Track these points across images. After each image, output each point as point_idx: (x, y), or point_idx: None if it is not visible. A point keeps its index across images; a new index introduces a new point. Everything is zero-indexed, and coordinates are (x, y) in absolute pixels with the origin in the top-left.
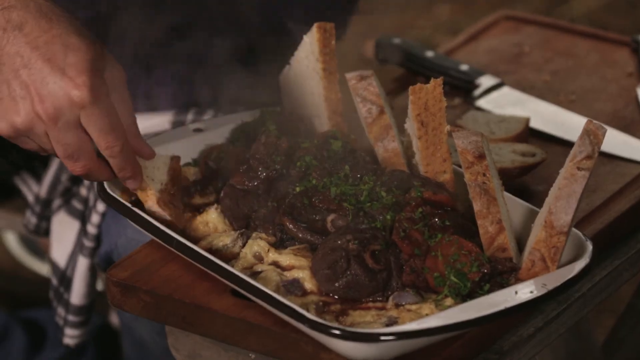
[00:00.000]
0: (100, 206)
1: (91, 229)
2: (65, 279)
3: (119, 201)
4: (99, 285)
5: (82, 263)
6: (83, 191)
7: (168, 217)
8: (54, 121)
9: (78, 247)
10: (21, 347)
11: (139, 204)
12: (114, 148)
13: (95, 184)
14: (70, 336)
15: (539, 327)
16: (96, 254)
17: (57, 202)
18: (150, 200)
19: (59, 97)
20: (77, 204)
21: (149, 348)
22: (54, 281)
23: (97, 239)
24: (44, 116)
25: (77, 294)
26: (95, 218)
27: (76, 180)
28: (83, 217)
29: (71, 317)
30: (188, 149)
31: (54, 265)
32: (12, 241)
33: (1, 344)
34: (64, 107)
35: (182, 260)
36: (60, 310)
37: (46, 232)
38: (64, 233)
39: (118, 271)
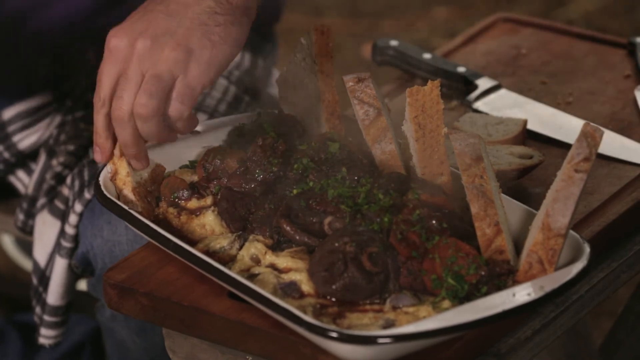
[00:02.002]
0: (78, 206)
1: (69, 230)
2: (44, 279)
3: (116, 203)
4: (82, 285)
5: (60, 264)
6: (65, 191)
7: (139, 209)
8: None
9: (57, 248)
10: (17, 351)
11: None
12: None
13: (77, 184)
14: (46, 336)
15: (537, 329)
16: (74, 255)
17: (41, 200)
18: (127, 188)
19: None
20: (59, 204)
21: (129, 348)
22: (34, 280)
23: (75, 239)
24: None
25: (53, 295)
26: (73, 218)
27: (60, 179)
28: (64, 217)
29: (47, 317)
30: (185, 151)
31: (35, 264)
32: (8, 243)
33: None
34: (180, 65)
35: (180, 262)
36: (38, 310)
37: (32, 231)
38: (45, 232)
39: (115, 273)
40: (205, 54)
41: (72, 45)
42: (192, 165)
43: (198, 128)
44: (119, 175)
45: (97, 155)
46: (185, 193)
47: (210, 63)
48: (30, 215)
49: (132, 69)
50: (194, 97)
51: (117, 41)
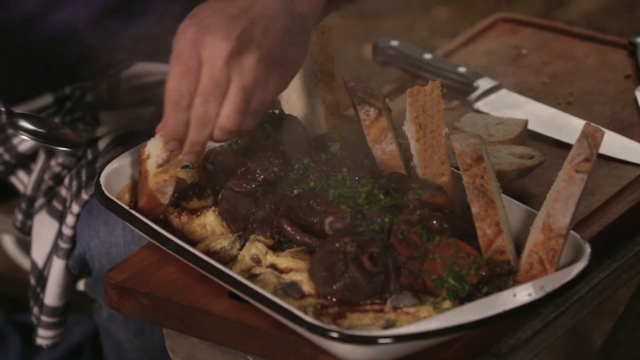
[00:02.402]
0: (75, 207)
1: (66, 230)
2: (41, 279)
3: (117, 204)
4: (80, 285)
5: (57, 264)
6: (63, 191)
7: (168, 199)
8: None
9: (55, 248)
10: (18, 351)
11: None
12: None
13: (75, 185)
14: (43, 337)
15: (538, 329)
16: (71, 256)
17: (40, 201)
18: (170, 176)
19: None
20: (57, 205)
21: (127, 349)
22: (32, 280)
23: (72, 240)
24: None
25: (51, 295)
26: (70, 219)
27: (58, 180)
28: (62, 218)
29: (44, 318)
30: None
31: (33, 265)
32: (9, 243)
33: None
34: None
35: (180, 263)
36: (36, 310)
37: (30, 231)
38: (43, 233)
39: (115, 273)
40: (280, 71)
41: (77, 50)
42: (193, 166)
43: None
44: (166, 165)
45: (172, 144)
46: (186, 193)
47: (286, 79)
48: (29, 215)
49: (221, 74)
50: (263, 113)
51: (205, 38)
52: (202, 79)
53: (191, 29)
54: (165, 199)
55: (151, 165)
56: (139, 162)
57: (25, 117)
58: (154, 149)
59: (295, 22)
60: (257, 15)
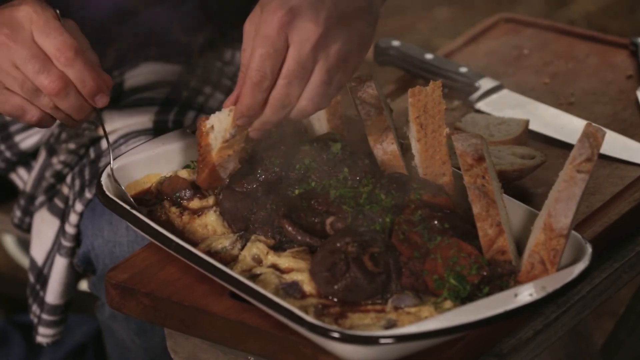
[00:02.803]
0: (79, 206)
1: (69, 229)
2: (41, 277)
3: (118, 203)
4: (83, 285)
5: (60, 262)
6: (65, 189)
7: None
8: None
9: (56, 246)
10: (20, 352)
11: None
12: (68, 54)
13: (78, 183)
14: (44, 335)
15: (539, 329)
16: (75, 254)
17: (40, 198)
18: (234, 152)
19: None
20: (58, 203)
21: (129, 348)
22: (31, 278)
23: (76, 239)
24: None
25: (52, 293)
26: (73, 218)
27: (60, 178)
28: (63, 216)
29: (45, 316)
30: (187, 151)
31: (32, 262)
32: (10, 243)
33: (0, 349)
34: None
35: (181, 262)
36: (35, 308)
37: (29, 228)
38: (43, 230)
39: (117, 273)
40: (357, 52)
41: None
42: (194, 166)
43: None
44: (232, 140)
45: (243, 121)
46: (188, 193)
47: (360, 60)
48: (28, 212)
49: (308, 58)
50: (338, 93)
51: (295, 21)
52: (287, 62)
53: (280, 11)
54: (225, 174)
55: (215, 139)
56: (197, 136)
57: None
58: (219, 123)
59: (367, 2)
60: None
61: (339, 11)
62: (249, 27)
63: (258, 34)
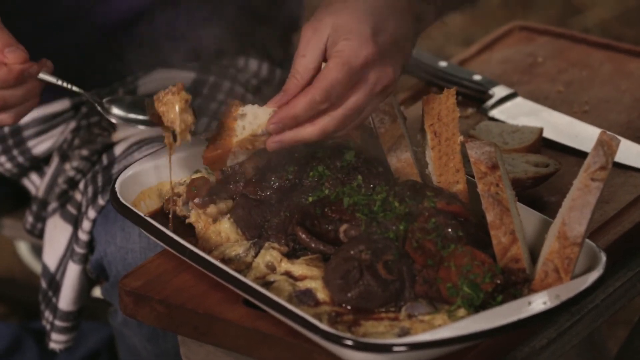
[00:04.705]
0: (91, 212)
1: (82, 236)
2: (54, 283)
3: (132, 210)
4: (97, 292)
5: (73, 269)
6: (77, 196)
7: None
8: None
9: (69, 253)
10: (33, 358)
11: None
12: None
13: (91, 190)
14: (56, 341)
15: (552, 338)
16: (88, 261)
17: (53, 204)
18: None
19: None
20: (71, 209)
21: (140, 354)
22: (43, 284)
23: (89, 245)
24: None
25: (65, 300)
26: (86, 224)
27: (72, 184)
28: (76, 223)
29: (58, 322)
30: (198, 157)
31: (44, 268)
32: (24, 250)
33: (14, 355)
34: None
35: (195, 270)
36: (48, 315)
37: (41, 234)
38: (56, 237)
39: (130, 280)
40: (393, 85)
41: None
42: (209, 171)
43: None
44: (258, 136)
45: (277, 127)
46: (203, 199)
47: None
48: (40, 218)
49: (373, 100)
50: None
51: (378, 65)
52: (357, 97)
53: (372, 47)
54: (232, 162)
55: (242, 128)
56: (225, 113)
57: (115, 101)
58: (254, 117)
59: (409, 23)
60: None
61: (407, 60)
62: (308, 32)
63: (342, 57)
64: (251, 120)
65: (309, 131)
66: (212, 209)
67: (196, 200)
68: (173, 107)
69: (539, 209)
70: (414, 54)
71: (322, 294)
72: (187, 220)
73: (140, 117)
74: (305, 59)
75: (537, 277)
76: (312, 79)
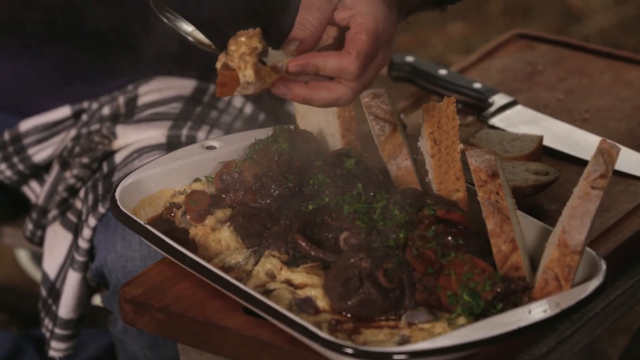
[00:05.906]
0: (92, 220)
1: (82, 244)
2: (54, 291)
3: (132, 218)
4: (97, 300)
5: (73, 277)
6: (78, 204)
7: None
8: None
9: (69, 260)
10: None
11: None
12: None
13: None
14: (56, 349)
15: (553, 346)
16: (88, 269)
17: (53, 212)
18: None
19: None
20: (71, 217)
21: None
22: (43, 292)
23: (89, 253)
24: None
25: (65, 308)
26: (86, 233)
27: (72, 192)
28: (76, 230)
29: (58, 330)
30: (200, 165)
31: (44, 276)
32: (24, 258)
33: None
34: None
35: (195, 278)
36: (48, 322)
37: (41, 242)
38: (56, 245)
39: (130, 288)
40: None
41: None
42: (209, 179)
43: (214, 143)
44: (271, 72)
45: (297, 68)
46: (200, 214)
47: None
48: (40, 226)
49: (380, 56)
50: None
51: (390, 41)
52: (370, 72)
53: (393, 29)
54: (240, 93)
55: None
56: (237, 38)
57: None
58: (271, 54)
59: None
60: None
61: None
62: None
63: (374, 32)
64: (270, 54)
65: (323, 95)
66: (210, 220)
67: (194, 215)
68: (239, 48)
69: (539, 217)
70: (414, 62)
71: (322, 302)
72: (189, 236)
73: (206, 40)
74: (319, 13)
75: (537, 285)
76: (322, 33)
